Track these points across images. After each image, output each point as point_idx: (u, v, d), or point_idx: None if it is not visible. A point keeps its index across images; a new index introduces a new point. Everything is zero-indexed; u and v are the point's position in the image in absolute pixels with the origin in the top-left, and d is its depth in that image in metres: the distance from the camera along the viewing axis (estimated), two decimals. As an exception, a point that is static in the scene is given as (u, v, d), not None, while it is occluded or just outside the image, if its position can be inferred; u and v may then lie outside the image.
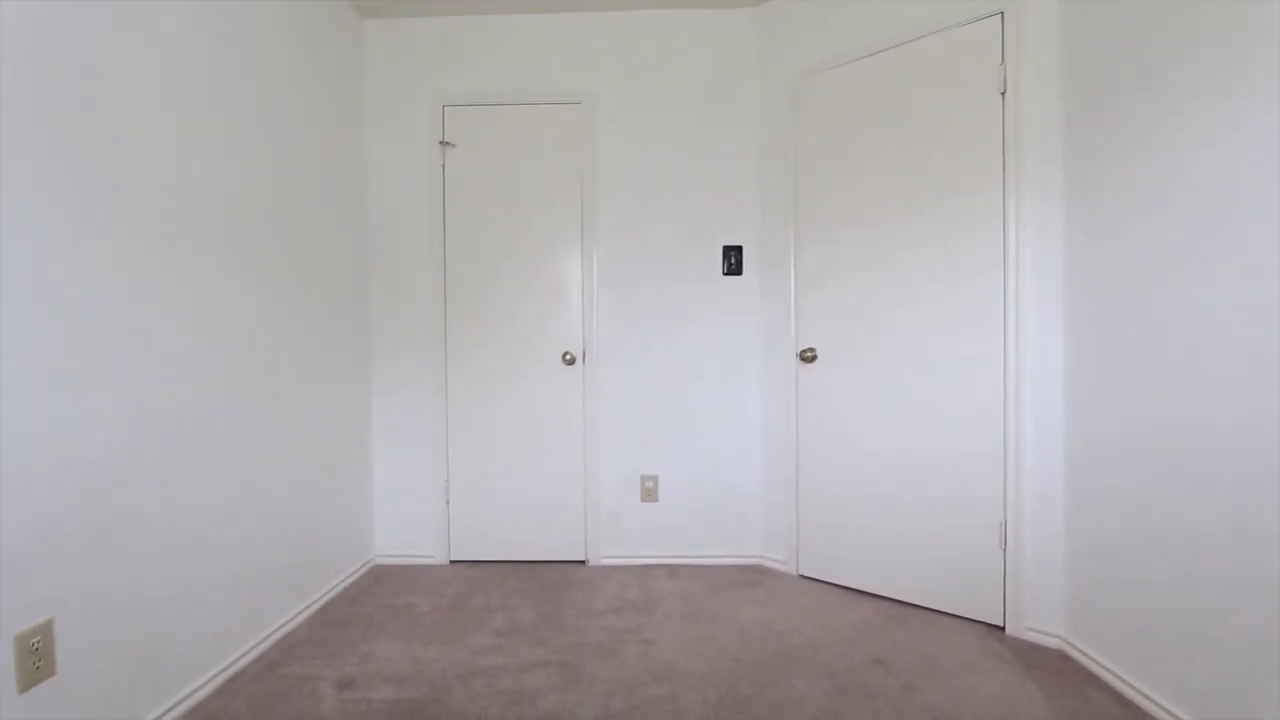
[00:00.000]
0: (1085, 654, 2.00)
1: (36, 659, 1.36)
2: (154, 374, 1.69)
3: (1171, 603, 1.68)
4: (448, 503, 2.98)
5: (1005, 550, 2.22)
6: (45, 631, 1.38)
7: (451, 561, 2.99)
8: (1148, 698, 1.75)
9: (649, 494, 2.97)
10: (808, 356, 2.68)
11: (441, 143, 2.97)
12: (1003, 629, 2.24)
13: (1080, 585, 2.04)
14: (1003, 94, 2.20)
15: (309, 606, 2.44)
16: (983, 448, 2.27)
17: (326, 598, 2.57)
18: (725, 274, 2.95)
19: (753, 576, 2.79)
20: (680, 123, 2.96)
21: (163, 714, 1.71)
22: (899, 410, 2.46)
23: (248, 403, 2.09)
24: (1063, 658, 2.06)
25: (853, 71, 2.56)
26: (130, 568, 1.62)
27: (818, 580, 2.71)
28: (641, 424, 2.98)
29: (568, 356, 2.94)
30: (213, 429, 1.92)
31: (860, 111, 2.54)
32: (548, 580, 2.77)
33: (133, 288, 1.62)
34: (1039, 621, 2.16)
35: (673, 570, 2.87)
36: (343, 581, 2.70)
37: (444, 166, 2.98)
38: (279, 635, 2.24)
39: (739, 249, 2.94)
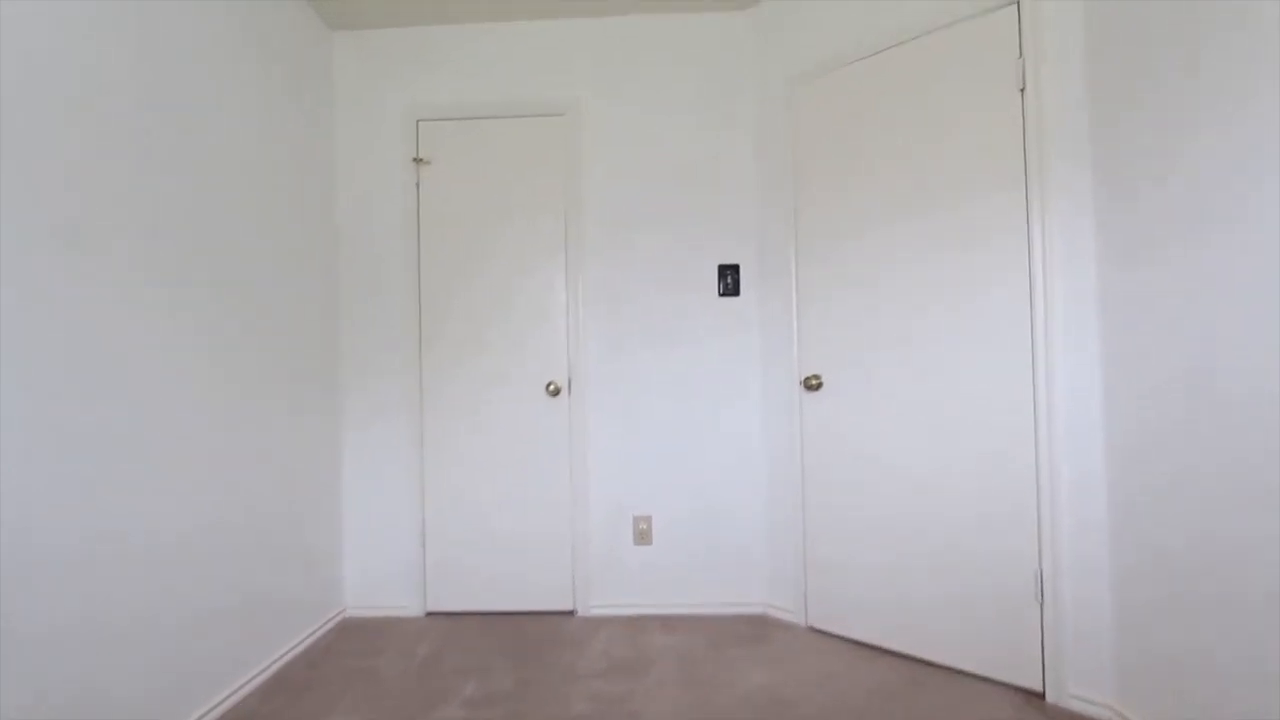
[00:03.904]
0: (1142, 730, 1.72)
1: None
2: (60, 416, 1.47)
3: (1243, 675, 1.41)
4: (424, 549, 2.74)
5: (1042, 604, 1.95)
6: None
7: (428, 613, 2.73)
8: (1225, 792, 1.46)
9: (642, 536, 2.71)
10: (812, 384, 2.43)
11: (415, 159, 2.77)
12: (1042, 696, 1.96)
13: (1134, 648, 1.76)
14: (1022, 91, 1.97)
15: (263, 671, 2.19)
16: (1012, 489, 2.00)
17: (286, 658, 2.32)
18: (721, 294, 2.72)
19: (757, 629, 2.51)
20: (671, 135, 2.76)
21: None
22: (914, 446, 2.20)
23: (198, 443, 1.87)
24: (1115, 733, 1.78)
25: (854, 73, 2.35)
26: (56, 625, 1.38)
27: (828, 634, 2.44)
28: (632, 460, 2.73)
29: (551, 387, 2.70)
30: (146, 474, 1.70)
31: (863, 115, 2.32)
32: (531, 635, 2.51)
33: (52, 316, 1.41)
34: (1085, 688, 1.88)
35: (668, 622, 2.60)
36: (306, 639, 2.45)
37: (418, 184, 2.78)
38: (224, 708, 1.98)
39: (735, 268, 2.71)
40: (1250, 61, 1.37)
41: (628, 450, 2.73)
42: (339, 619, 2.71)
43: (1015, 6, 1.98)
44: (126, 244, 1.67)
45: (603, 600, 2.71)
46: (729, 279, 2.72)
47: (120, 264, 1.65)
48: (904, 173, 2.22)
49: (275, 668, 2.25)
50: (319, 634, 2.54)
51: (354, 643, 2.48)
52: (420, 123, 2.79)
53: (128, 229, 1.68)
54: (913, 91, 2.20)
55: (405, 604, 2.73)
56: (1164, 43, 1.60)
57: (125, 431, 1.65)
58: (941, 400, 2.14)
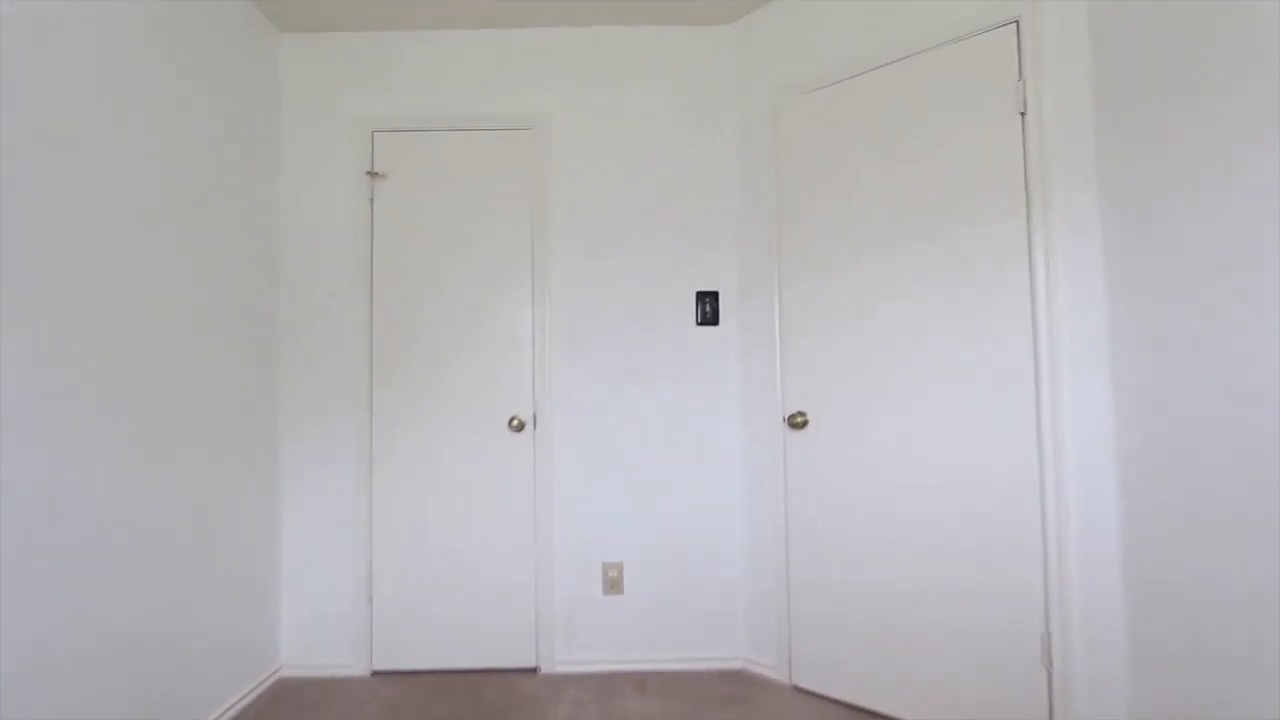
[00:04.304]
0: (1165, 815, 1.56)
1: None
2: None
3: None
4: (370, 601, 2.47)
5: (1050, 669, 1.79)
6: None
7: (374, 672, 2.46)
8: None
9: (612, 585, 2.49)
10: (797, 422, 2.26)
11: (369, 173, 2.55)
12: (1050, 769, 1.79)
13: (1157, 716, 1.61)
14: (1022, 114, 1.85)
15: (177, 750, 1.91)
16: (1017, 536, 1.85)
17: (208, 731, 2.05)
18: (700, 323, 2.55)
19: (737, 688, 2.30)
20: (646, 153, 2.58)
21: None
22: (908, 492, 2.03)
23: (108, 487, 1.61)
24: (1133, 817, 1.61)
25: (842, 91, 2.22)
26: None
27: (814, 694, 2.24)
28: (603, 502, 2.51)
29: (515, 422, 2.48)
30: (38, 516, 1.43)
31: (852, 136, 2.18)
32: (488, 699, 2.26)
33: None
34: (1096, 762, 1.72)
35: (641, 681, 2.37)
36: (234, 705, 2.17)
37: (372, 201, 2.56)
38: (123, 801, 1.71)
39: (714, 295, 2.54)
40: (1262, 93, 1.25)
41: (597, 491, 2.52)
42: (274, 680, 2.42)
43: (1014, 25, 1.87)
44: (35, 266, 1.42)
45: (569, 656, 2.47)
46: (707, 306, 2.54)
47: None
48: (896, 197, 2.08)
49: (192, 745, 1.97)
50: (250, 698, 2.26)
51: (286, 711, 2.20)
52: (376, 134, 2.58)
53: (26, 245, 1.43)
54: (905, 114, 2.07)
55: (348, 662, 2.46)
56: (1176, 71, 1.48)
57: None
58: (939, 439, 1.98)
